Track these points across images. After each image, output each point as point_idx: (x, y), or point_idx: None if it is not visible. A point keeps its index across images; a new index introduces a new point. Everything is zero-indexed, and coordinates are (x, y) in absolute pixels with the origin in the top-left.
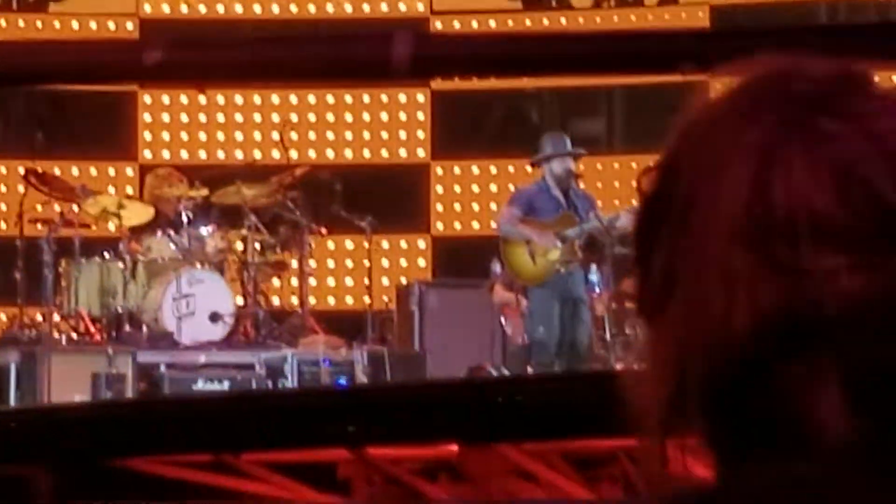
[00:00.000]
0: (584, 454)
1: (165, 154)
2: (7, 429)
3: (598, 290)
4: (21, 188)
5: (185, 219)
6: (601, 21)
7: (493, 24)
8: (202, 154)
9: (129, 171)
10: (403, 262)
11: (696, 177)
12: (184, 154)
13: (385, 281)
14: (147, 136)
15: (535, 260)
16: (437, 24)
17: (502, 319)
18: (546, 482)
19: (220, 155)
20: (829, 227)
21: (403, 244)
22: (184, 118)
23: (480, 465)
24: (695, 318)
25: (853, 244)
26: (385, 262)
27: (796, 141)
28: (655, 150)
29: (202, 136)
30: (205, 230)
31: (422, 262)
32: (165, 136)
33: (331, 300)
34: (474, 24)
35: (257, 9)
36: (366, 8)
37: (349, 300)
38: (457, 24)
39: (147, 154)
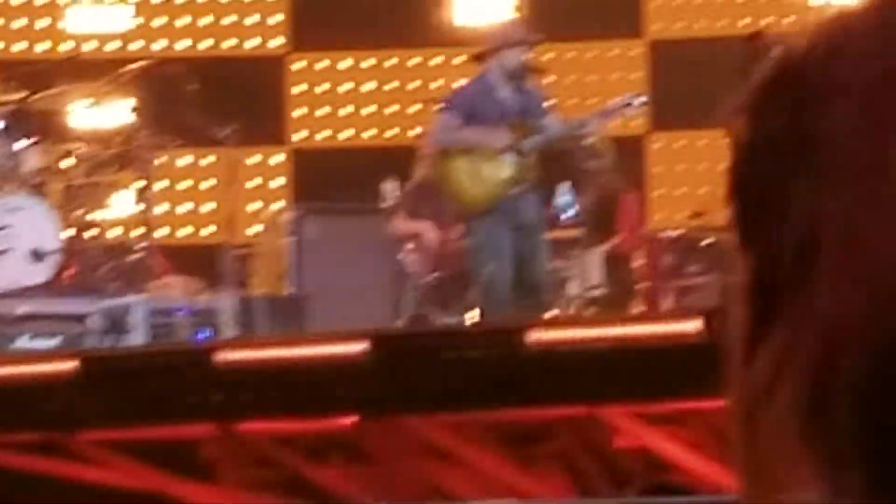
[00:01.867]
0: (516, 429)
1: None
2: None
3: (568, 212)
4: None
5: None
6: None
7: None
8: (19, 46)
9: None
10: (258, 181)
11: (848, 121)
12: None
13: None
14: None
15: (481, 180)
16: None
17: (402, 255)
18: (466, 462)
19: (41, 47)
20: None
21: (258, 158)
22: None
23: (382, 442)
24: (855, 284)
25: None
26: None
27: None
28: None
29: (18, 23)
30: (22, 144)
31: (281, 181)
32: None
33: (183, 232)
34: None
35: None
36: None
37: (205, 232)
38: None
39: None
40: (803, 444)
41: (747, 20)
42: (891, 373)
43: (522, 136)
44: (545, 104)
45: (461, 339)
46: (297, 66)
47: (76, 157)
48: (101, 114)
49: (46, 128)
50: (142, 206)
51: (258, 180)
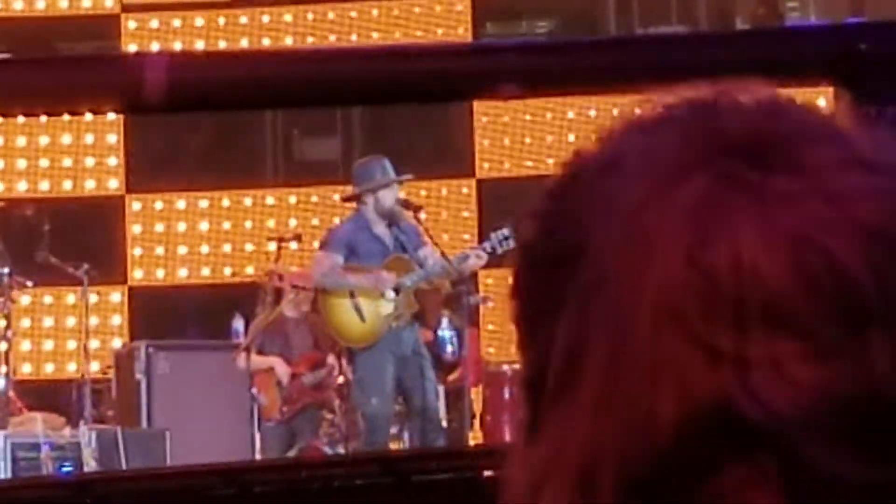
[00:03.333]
0: None
1: None
2: None
3: (450, 349)
4: None
5: None
6: (335, 17)
7: (199, 21)
8: None
9: None
10: (94, 320)
11: (611, 238)
12: None
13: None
14: None
15: (364, 316)
16: (131, 24)
17: (254, 391)
18: None
19: None
20: (782, 308)
21: (94, 297)
22: None
23: None
24: (611, 410)
25: (808, 328)
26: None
27: (740, 202)
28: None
29: None
30: None
31: (117, 320)
32: None
33: (27, 368)
34: (176, 23)
35: None
36: (40, 5)
37: (49, 368)
38: (154, 23)
39: None
40: None
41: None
42: (643, 490)
43: (403, 271)
44: (422, 239)
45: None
46: (135, 206)
47: None
48: None
49: None
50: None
51: (95, 318)
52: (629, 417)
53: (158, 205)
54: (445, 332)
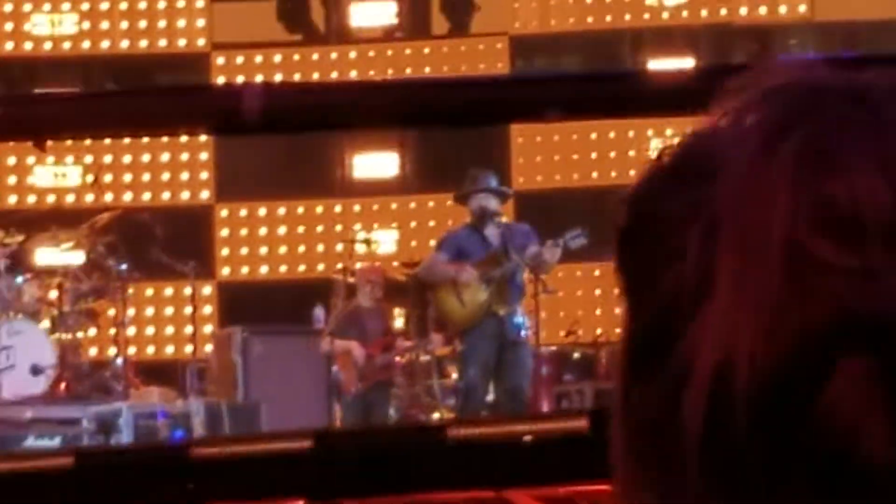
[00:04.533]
0: None
1: None
2: None
3: (523, 333)
4: None
5: (1, 267)
6: (393, 53)
7: (277, 58)
8: (12, 199)
9: None
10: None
11: (732, 183)
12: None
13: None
14: None
15: (464, 302)
16: (220, 60)
17: (335, 369)
18: None
19: (32, 199)
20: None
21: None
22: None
23: None
24: (743, 321)
25: None
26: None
27: (848, 137)
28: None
29: (11, 179)
30: (21, 278)
31: (208, 309)
32: None
33: (150, 350)
34: (258, 59)
35: (28, 45)
36: (143, 43)
37: (168, 349)
38: (240, 59)
39: None
40: (703, 458)
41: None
42: (779, 384)
43: (496, 266)
44: (530, 238)
45: (390, 435)
46: (223, 214)
47: (63, 289)
48: (80, 254)
49: (39, 265)
50: (116, 329)
51: (188, 308)
52: (759, 321)
53: (243, 212)
54: (520, 318)
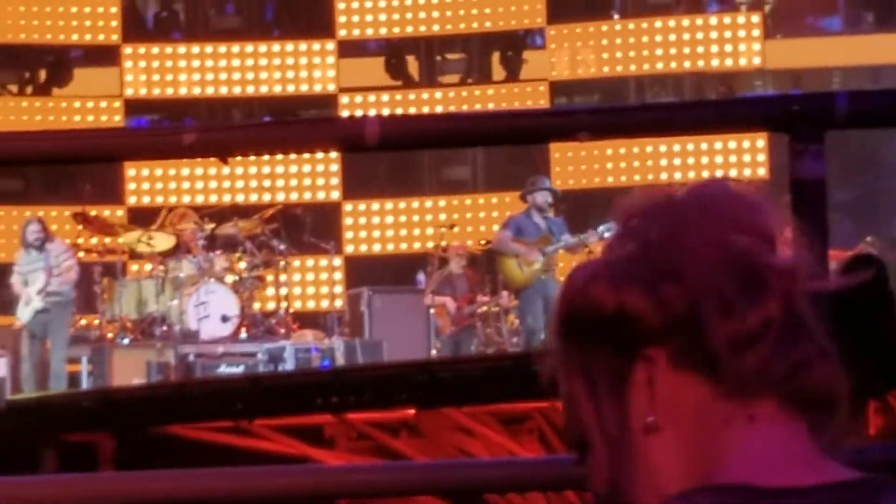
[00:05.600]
0: (508, 414)
1: (186, 199)
2: (80, 406)
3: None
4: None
5: (199, 245)
6: (466, 94)
7: (385, 98)
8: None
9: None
10: (324, 276)
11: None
12: (199, 198)
13: (337, 289)
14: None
15: (523, 270)
16: (344, 99)
17: (433, 315)
18: (480, 436)
19: (213, 198)
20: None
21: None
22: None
23: (432, 424)
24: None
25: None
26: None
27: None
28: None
29: (205, 184)
30: (213, 254)
31: (338, 275)
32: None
33: (297, 304)
34: (371, 98)
35: (210, 89)
36: (290, 88)
37: (311, 304)
38: (358, 98)
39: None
40: None
41: None
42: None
43: (547, 244)
44: (565, 227)
45: (473, 362)
46: (348, 208)
47: (241, 261)
48: (254, 236)
49: (226, 244)
50: (276, 290)
51: (324, 275)
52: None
53: (362, 206)
54: (557, 282)
